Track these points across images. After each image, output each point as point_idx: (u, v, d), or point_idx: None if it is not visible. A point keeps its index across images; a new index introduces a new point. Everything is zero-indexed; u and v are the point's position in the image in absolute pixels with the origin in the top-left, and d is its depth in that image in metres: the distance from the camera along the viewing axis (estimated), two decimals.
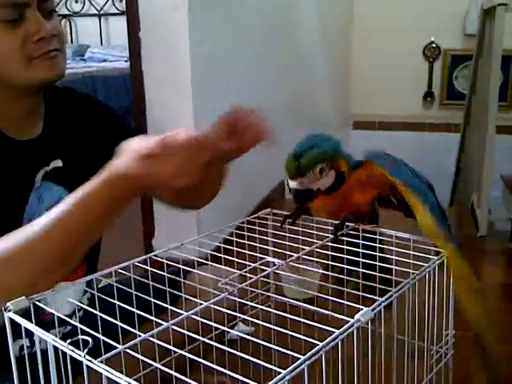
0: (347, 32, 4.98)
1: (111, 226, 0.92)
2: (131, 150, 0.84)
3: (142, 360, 0.66)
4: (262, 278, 0.90)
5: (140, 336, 0.68)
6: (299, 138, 1.02)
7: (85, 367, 0.62)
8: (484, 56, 3.12)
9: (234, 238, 1.07)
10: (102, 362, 0.63)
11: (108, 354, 0.65)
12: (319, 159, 0.97)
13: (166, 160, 0.81)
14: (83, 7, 6.48)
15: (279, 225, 1.08)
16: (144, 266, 0.93)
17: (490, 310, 2.13)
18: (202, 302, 0.77)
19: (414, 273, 0.87)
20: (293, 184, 0.98)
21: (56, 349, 0.66)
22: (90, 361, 0.62)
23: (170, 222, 2.29)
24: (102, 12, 6.41)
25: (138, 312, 0.80)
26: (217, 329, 0.91)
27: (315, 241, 1.02)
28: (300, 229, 1.06)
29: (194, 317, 0.74)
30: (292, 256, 0.95)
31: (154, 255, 0.95)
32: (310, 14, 3.85)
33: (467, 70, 4.67)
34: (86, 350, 0.63)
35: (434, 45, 4.95)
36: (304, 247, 0.99)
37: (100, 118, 1.23)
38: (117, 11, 6.20)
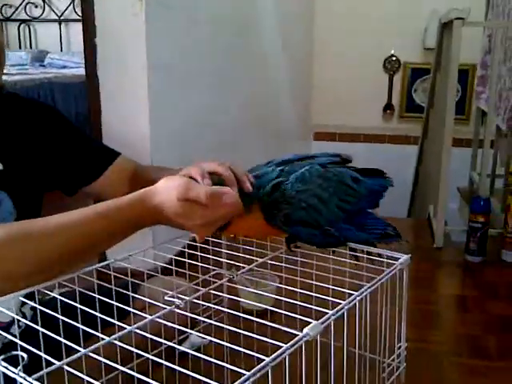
0: (309, 44, 5.02)
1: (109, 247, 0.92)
2: (176, 187, 0.84)
3: (86, 376, 0.64)
4: (214, 291, 0.88)
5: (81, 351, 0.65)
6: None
7: None
8: (442, 69, 3.17)
9: (187, 250, 1.04)
10: (38, 378, 0.60)
11: (45, 370, 0.62)
12: None
13: (202, 211, 0.83)
14: (43, 12, 6.35)
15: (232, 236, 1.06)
16: (89, 278, 0.90)
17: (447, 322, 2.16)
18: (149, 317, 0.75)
19: (365, 284, 0.86)
20: None
21: None
22: (24, 378, 0.60)
23: None
24: (62, 18, 6.30)
25: (83, 327, 0.76)
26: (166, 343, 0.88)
27: (269, 252, 1.01)
28: (254, 240, 1.05)
29: (141, 332, 0.71)
30: (245, 268, 0.93)
31: (101, 266, 0.92)
32: (271, 27, 3.86)
33: (427, 83, 4.74)
34: (19, 367, 0.60)
35: (394, 58, 5.02)
36: (257, 259, 0.97)
37: (44, 119, 1.21)
38: (78, 17, 6.10)
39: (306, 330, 0.68)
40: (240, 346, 0.71)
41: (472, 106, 4.71)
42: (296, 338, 0.67)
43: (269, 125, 3.88)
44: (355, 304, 0.80)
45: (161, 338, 0.76)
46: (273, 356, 0.63)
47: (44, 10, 6.35)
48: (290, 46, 4.29)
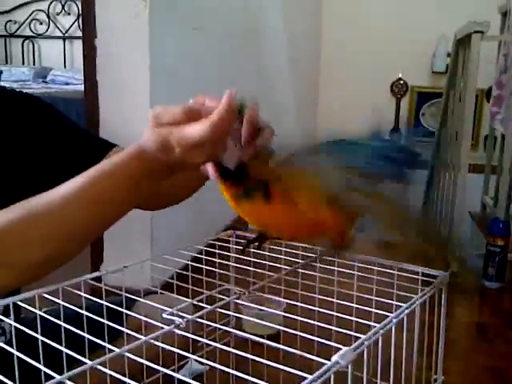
0: (315, 66, 4.94)
1: (135, 204, 0.82)
2: (150, 118, 0.72)
3: None
4: (220, 310, 0.75)
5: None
6: None
7: None
8: (456, 90, 3.06)
9: (190, 263, 0.92)
10: None
11: None
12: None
13: (184, 128, 0.69)
14: (48, 29, 6.31)
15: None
16: (76, 291, 0.77)
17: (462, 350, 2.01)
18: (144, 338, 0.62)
19: (399, 305, 0.73)
20: None
21: None
22: None
23: (120, 247, 2.08)
24: (66, 35, 6.25)
25: (66, 351, 0.63)
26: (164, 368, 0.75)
27: (284, 266, 0.88)
28: (267, 253, 0.92)
29: (133, 356, 0.59)
30: (256, 284, 0.81)
31: (91, 279, 0.79)
32: (277, 49, 3.77)
33: (434, 107, 4.65)
34: None
35: (401, 81, 4.95)
36: (271, 274, 0.85)
37: (31, 112, 1.09)
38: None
39: (335, 358, 0.55)
40: (248, 375, 0.58)
41: (481, 132, 4.61)
42: (324, 368, 0.54)
43: (272, 145, 3.77)
44: (391, 328, 0.67)
45: (158, 362, 0.63)
46: None
47: (49, 26, 6.31)
48: (296, 67, 4.20)
